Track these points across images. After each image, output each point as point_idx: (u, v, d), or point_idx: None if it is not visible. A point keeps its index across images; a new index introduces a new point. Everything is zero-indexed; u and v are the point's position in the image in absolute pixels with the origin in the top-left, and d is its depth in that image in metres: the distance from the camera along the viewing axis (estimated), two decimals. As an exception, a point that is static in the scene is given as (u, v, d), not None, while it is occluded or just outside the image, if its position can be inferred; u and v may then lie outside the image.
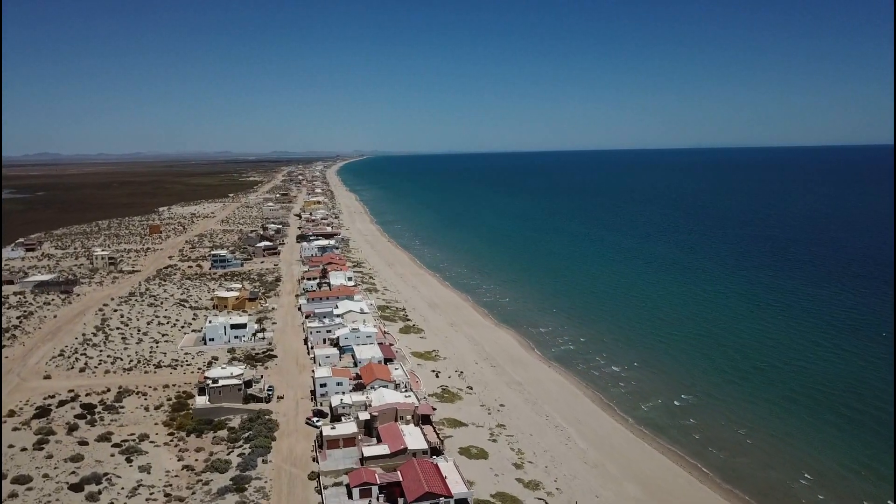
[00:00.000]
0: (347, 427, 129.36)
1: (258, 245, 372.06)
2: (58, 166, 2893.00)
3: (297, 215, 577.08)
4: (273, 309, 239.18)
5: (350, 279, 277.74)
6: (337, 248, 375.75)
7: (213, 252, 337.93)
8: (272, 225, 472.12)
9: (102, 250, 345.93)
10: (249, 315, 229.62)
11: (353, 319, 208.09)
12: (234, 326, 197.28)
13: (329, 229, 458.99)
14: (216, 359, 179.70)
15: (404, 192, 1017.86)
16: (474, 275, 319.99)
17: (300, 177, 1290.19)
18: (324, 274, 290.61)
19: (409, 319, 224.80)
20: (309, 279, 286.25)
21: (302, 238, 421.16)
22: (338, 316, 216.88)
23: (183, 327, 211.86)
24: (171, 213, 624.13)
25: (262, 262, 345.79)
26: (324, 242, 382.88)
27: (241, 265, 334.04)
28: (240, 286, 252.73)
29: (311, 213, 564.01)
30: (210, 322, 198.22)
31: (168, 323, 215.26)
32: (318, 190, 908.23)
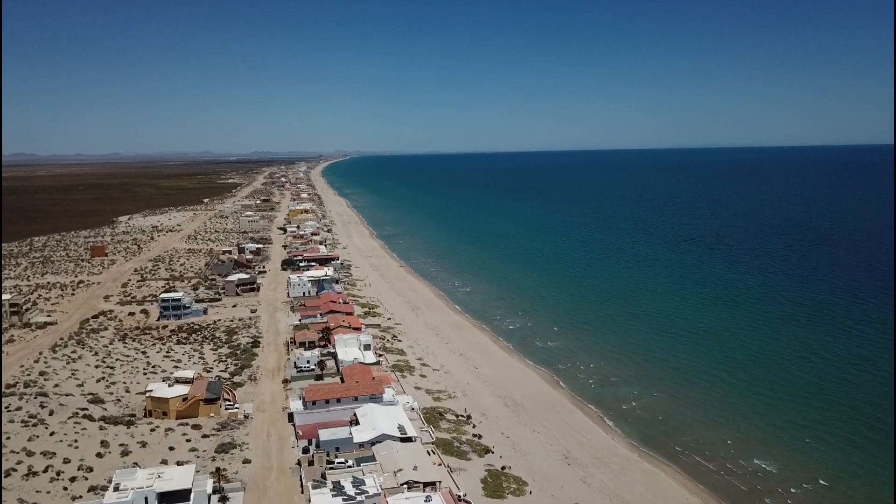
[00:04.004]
0: None
1: (230, 279, 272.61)
2: (29, 167, 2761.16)
3: (280, 228, 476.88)
4: (246, 418, 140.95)
5: (368, 347, 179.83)
6: (337, 282, 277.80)
7: (163, 294, 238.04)
8: (250, 245, 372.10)
9: (5, 293, 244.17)
10: (205, 436, 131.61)
11: (395, 467, 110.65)
12: (164, 498, 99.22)
13: (323, 249, 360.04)
14: None
15: (398, 195, 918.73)
16: (538, 327, 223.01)
17: (283, 179, 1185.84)
18: (325, 336, 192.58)
19: (489, 450, 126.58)
20: (302, 344, 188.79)
21: (288, 264, 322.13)
22: (361, 446, 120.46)
23: (75, 479, 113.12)
24: (129, 224, 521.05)
25: (235, 306, 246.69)
26: (319, 273, 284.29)
27: (204, 312, 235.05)
28: (192, 374, 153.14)
29: (298, 226, 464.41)
30: (118, 487, 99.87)
31: (49, 469, 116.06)
32: (305, 195, 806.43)
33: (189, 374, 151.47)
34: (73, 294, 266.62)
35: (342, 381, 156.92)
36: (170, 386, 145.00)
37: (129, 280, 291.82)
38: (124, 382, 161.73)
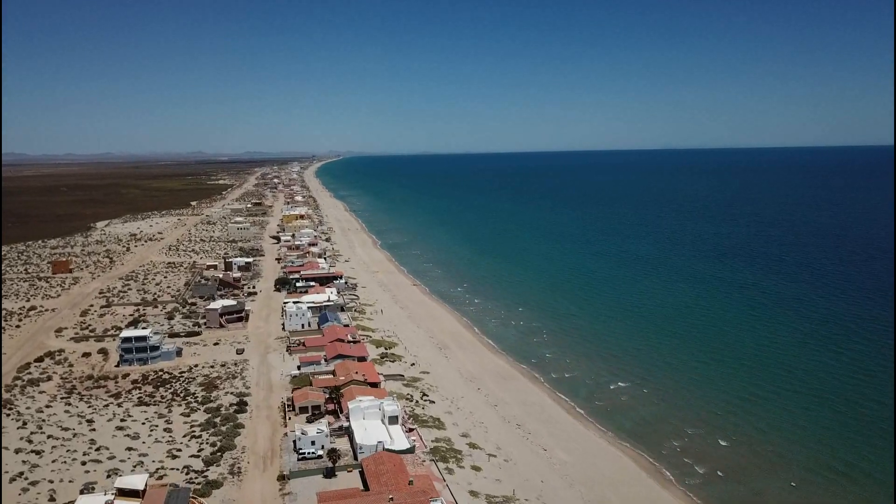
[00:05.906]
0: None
1: (213, 306, 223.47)
2: (17, 167, 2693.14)
3: (273, 237, 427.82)
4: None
5: (395, 420, 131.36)
6: (342, 309, 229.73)
7: (125, 332, 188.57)
8: (239, 259, 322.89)
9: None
10: None
11: None
12: None
13: (323, 263, 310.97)
14: None
15: (397, 198, 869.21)
16: (601, 375, 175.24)
17: (276, 180, 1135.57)
18: (334, 398, 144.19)
19: None
20: (304, 410, 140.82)
21: (283, 284, 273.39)
22: None
23: None
24: (105, 232, 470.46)
25: (217, 344, 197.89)
26: (320, 297, 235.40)
27: (178, 354, 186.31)
28: (143, 481, 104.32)
29: (293, 235, 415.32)
30: None
31: None
32: (299, 197, 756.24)
33: (138, 482, 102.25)
34: (18, 326, 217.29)
35: (365, 484, 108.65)
36: (116, 496, 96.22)
37: (92, 305, 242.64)
38: (50, 481, 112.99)
